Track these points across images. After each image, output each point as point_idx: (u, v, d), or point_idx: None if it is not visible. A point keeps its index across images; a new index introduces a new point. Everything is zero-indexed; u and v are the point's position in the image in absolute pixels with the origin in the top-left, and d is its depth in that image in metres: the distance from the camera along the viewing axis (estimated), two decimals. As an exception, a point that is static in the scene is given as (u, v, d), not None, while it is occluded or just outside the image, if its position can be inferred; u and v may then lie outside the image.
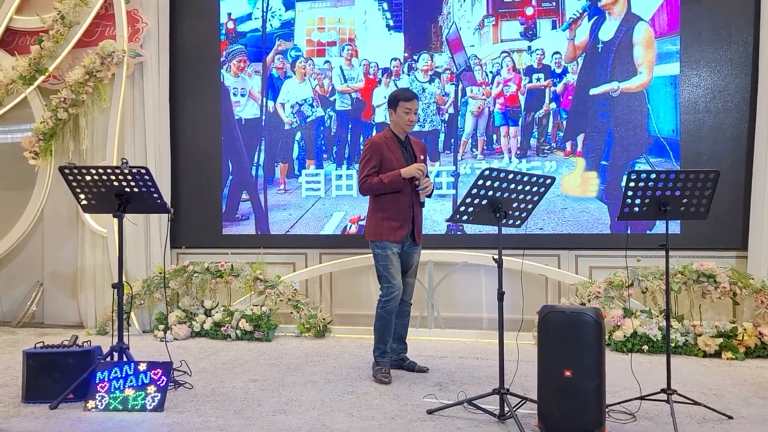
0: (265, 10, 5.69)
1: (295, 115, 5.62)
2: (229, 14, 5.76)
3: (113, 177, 3.37)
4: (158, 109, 5.59)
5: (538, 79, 5.15)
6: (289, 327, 5.31)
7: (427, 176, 3.80)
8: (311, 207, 5.55)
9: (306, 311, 5.22)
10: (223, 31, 5.77)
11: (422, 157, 3.93)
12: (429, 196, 3.90)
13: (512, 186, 3.02)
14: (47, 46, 5.47)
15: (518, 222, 3.19)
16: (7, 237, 5.82)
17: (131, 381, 3.30)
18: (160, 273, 5.39)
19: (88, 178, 3.38)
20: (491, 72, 5.23)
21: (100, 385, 3.28)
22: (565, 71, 5.10)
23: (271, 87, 5.70)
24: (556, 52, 5.11)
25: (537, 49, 5.14)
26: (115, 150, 5.49)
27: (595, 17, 5.05)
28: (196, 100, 5.79)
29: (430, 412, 3.14)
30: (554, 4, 5.12)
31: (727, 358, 4.25)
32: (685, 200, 3.01)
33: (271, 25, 5.69)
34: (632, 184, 3.00)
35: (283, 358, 4.44)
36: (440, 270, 5.19)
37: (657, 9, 4.92)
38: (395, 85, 5.39)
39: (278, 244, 5.61)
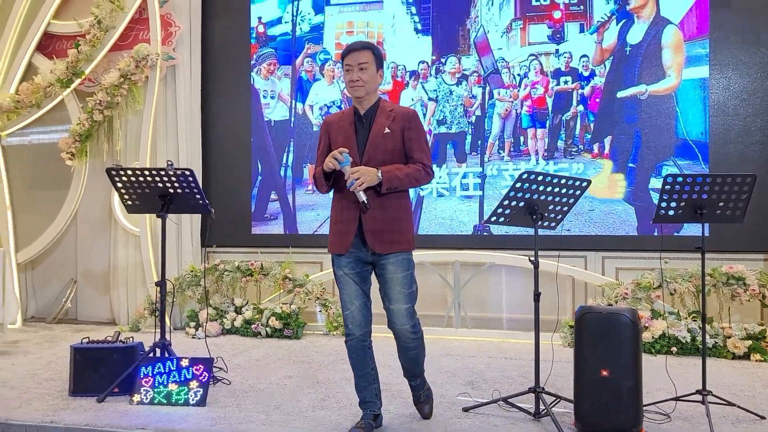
0: (294, 14, 5.79)
1: (324, 117, 5.71)
2: (260, 18, 5.86)
3: (158, 178, 3.48)
4: (190, 111, 5.71)
5: (566, 82, 5.19)
6: (316, 325, 5.40)
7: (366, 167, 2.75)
8: (339, 207, 5.63)
9: (334, 310, 5.30)
10: (254, 35, 5.87)
11: (387, 131, 2.82)
12: (380, 190, 2.76)
13: (549, 189, 3.08)
14: (84, 50, 5.60)
15: (553, 224, 3.25)
16: (44, 235, 5.97)
17: (174, 376, 3.40)
18: (192, 271, 5.50)
19: (133, 179, 3.49)
20: (519, 75, 5.28)
21: (144, 380, 3.39)
22: (592, 74, 5.14)
23: (300, 89, 5.79)
24: (584, 56, 5.15)
25: (564, 53, 5.19)
26: (148, 151, 5.62)
27: (623, 20, 5.08)
28: (227, 102, 5.90)
29: (465, 409, 3.21)
30: (582, 7, 5.16)
31: (756, 360, 4.28)
32: (721, 203, 3.05)
33: (300, 29, 5.78)
34: (668, 187, 3.05)
35: (314, 356, 4.53)
36: (467, 270, 5.26)
37: (686, 12, 4.95)
38: (423, 87, 5.46)
39: (306, 243, 5.70)
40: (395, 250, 2.81)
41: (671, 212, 3.12)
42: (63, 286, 6.05)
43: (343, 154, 2.73)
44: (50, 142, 5.98)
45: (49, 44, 5.97)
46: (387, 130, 2.81)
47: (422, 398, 3.10)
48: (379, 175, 2.73)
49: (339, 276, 2.88)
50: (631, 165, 5.05)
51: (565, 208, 3.21)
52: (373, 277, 2.94)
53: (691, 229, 4.82)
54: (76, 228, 6.04)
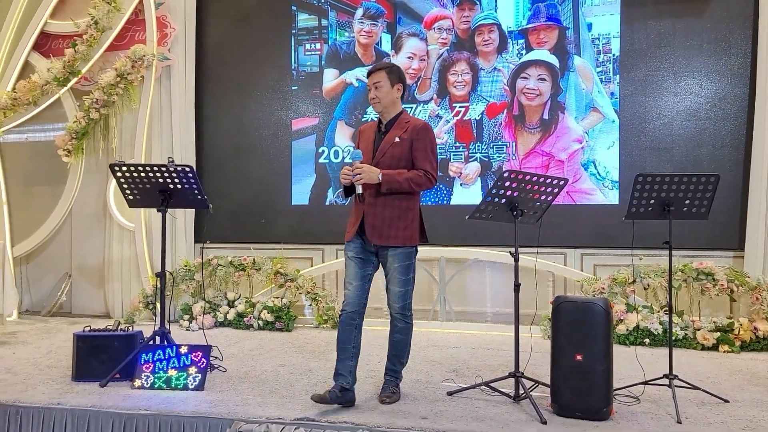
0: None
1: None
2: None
3: (158, 174, 3.65)
4: (184, 110, 5.87)
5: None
6: (307, 318, 5.58)
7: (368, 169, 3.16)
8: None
9: (324, 303, 5.49)
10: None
11: (398, 140, 3.23)
12: (379, 190, 3.18)
13: (529, 186, 3.29)
14: (81, 49, 5.75)
15: (533, 220, 3.46)
16: (40, 230, 6.10)
17: (174, 362, 3.57)
18: (186, 266, 5.66)
19: (135, 174, 3.66)
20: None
21: (145, 365, 3.56)
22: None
23: (292, 90, 5.98)
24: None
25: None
26: (143, 148, 5.78)
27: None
28: (220, 102, 6.07)
29: (450, 393, 3.42)
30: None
31: (724, 351, 4.53)
32: (687, 201, 3.29)
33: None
34: (639, 186, 3.28)
35: (305, 346, 4.71)
36: (452, 266, 5.47)
37: (661, 21, 5.20)
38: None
39: (297, 240, 5.87)
40: (391, 243, 3.22)
41: (642, 209, 3.35)
42: (58, 280, 6.17)
43: (356, 150, 3.27)
44: (47, 140, 6.12)
45: (46, 43, 6.11)
46: (397, 139, 3.25)
47: (390, 391, 3.29)
48: (379, 176, 3.15)
49: (346, 258, 3.31)
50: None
51: (545, 205, 3.43)
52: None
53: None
54: (71, 223, 6.18)
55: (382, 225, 3.20)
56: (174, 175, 3.63)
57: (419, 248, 3.38)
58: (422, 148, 3.24)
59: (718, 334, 4.59)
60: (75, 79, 5.90)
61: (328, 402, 3.06)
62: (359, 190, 3.19)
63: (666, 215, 3.32)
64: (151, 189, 3.72)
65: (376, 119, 3.41)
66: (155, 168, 3.64)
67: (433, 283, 5.54)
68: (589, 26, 5.34)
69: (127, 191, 3.76)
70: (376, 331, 4.33)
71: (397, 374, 3.39)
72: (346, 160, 5.63)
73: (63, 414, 3.15)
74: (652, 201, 3.31)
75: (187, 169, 3.62)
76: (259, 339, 5.01)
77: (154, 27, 5.76)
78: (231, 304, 5.60)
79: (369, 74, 3.32)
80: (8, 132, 6.17)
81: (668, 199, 3.29)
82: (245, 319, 5.45)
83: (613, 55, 5.29)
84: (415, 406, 3.20)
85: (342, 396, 3.09)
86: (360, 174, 3.15)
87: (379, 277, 3.37)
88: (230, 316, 5.51)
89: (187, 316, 5.54)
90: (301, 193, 5.93)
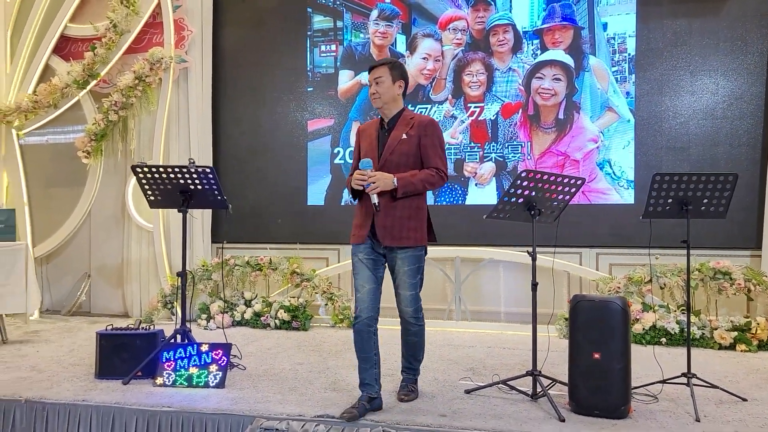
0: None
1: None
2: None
3: (179, 175, 3.71)
4: (201, 111, 5.94)
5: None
6: (322, 318, 5.63)
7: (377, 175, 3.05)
8: (345, 205, 5.88)
9: (340, 303, 5.53)
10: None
11: (405, 137, 3.14)
12: (395, 195, 3.07)
13: (546, 186, 3.31)
14: (100, 52, 5.85)
15: (550, 219, 3.48)
16: (59, 231, 6.21)
17: (195, 360, 3.63)
18: (203, 266, 5.73)
19: (156, 175, 3.72)
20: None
21: (167, 363, 3.61)
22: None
23: (308, 91, 6.03)
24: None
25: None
26: (161, 150, 5.86)
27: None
28: (237, 103, 6.13)
29: (467, 392, 3.44)
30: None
31: (741, 350, 4.52)
32: (705, 200, 3.29)
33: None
34: (656, 185, 3.28)
35: (322, 345, 4.76)
36: (467, 266, 5.49)
37: (677, 20, 5.20)
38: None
39: (312, 240, 5.92)
40: (403, 244, 3.13)
41: (659, 209, 3.36)
42: (77, 280, 6.27)
43: (365, 159, 3.11)
44: (66, 142, 6.22)
45: (66, 47, 6.22)
46: (404, 136, 3.13)
47: (409, 389, 3.30)
48: (395, 181, 3.05)
49: (355, 262, 3.18)
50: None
51: (562, 205, 3.44)
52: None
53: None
54: (90, 224, 6.27)
55: (393, 226, 3.11)
56: (195, 176, 3.69)
57: (431, 248, 3.34)
58: (432, 144, 3.16)
59: (736, 333, 4.57)
60: (94, 82, 6.01)
61: (359, 418, 2.98)
62: (375, 200, 3.04)
63: (683, 214, 3.33)
64: (172, 190, 3.78)
65: (378, 117, 3.30)
66: (176, 169, 3.70)
67: (447, 283, 5.57)
68: (605, 26, 5.34)
69: (149, 192, 3.82)
70: (390, 331, 4.36)
71: (415, 371, 3.40)
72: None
73: (88, 411, 3.21)
74: (669, 200, 3.32)
75: (208, 170, 3.67)
76: (276, 338, 5.07)
77: (172, 30, 5.84)
78: (248, 304, 5.66)
79: (371, 69, 3.21)
80: (29, 134, 6.29)
81: (686, 198, 3.29)
82: (262, 318, 5.50)
83: (629, 54, 5.28)
84: (433, 404, 3.23)
85: (371, 405, 3.07)
86: (375, 183, 3.03)
87: (387, 276, 3.31)
88: (247, 316, 5.57)
89: (204, 316, 5.61)
90: (316, 194, 5.98)
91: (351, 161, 5.79)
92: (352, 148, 5.85)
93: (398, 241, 3.11)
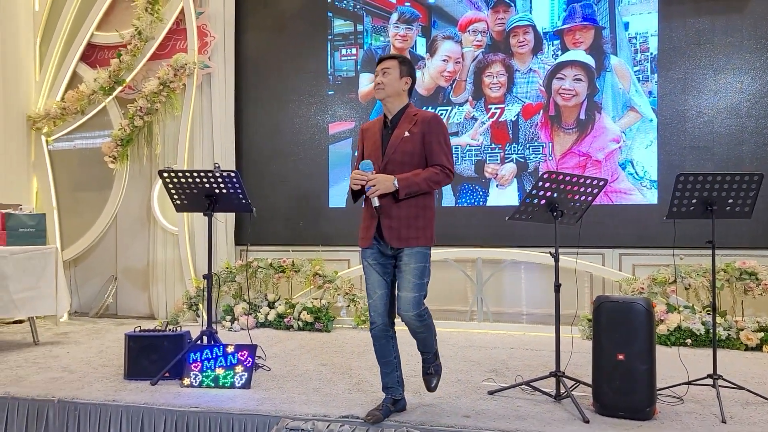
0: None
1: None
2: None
3: (205, 179, 3.78)
4: (224, 116, 6.03)
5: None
6: (345, 319, 5.68)
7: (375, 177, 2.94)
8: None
9: (362, 305, 5.57)
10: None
11: (407, 134, 3.01)
12: (398, 197, 2.96)
13: (568, 188, 3.31)
14: (125, 59, 5.97)
15: (573, 221, 3.48)
16: (87, 235, 6.34)
17: (221, 361, 3.69)
18: (227, 268, 5.81)
19: (183, 180, 3.79)
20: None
21: (193, 365, 3.68)
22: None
23: (329, 95, 6.08)
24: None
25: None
26: (186, 154, 5.96)
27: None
28: (259, 107, 6.21)
29: (491, 393, 3.45)
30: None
31: (768, 352, 4.47)
32: (730, 201, 3.27)
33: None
34: (680, 185, 3.26)
35: (345, 347, 4.80)
36: (488, 267, 5.50)
37: (700, 19, 5.15)
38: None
39: (334, 242, 5.97)
40: (410, 244, 2.98)
41: (683, 209, 3.34)
42: (104, 282, 6.39)
43: (365, 161, 3.01)
44: (93, 147, 6.36)
45: (92, 54, 6.36)
46: (407, 134, 3.00)
47: (431, 370, 3.21)
48: (395, 183, 2.92)
49: (365, 267, 3.11)
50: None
51: (584, 206, 3.44)
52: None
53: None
54: (116, 227, 6.40)
55: (400, 226, 2.97)
56: (220, 180, 3.75)
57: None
58: (436, 141, 3.00)
59: (762, 334, 4.52)
60: (120, 88, 6.13)
61: (383, 420, 2.99)
62: (376, 202, 2.93)
63: (708, 214, 3.30)
64: (198, 194, 3.85)
65: (381, 116, 3.17)
66: (202, 174, 3.77)
67: (469, 284, 5.58)
68: (626, 25, 5.31)
69: (175, 196, 3.90)
70: (406, 332, 4.38)
71: (433, 354, 3.22)
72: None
73: (118, 410, 3.29)
74: (694, 200, 3.30)
75: (233, 174, 3.74)
76: (299, 339, 5.12)
77: (195, 36, 5.93)
78: (271, 305, 5.73)
79: (380, 61, 3.08)
80: (58, 140, 6.44)
81: (711, 198, 3.27)
82: (285, 319, 5.56)
83: (651, 53, 5.25)
84: (456, 405, 3.25)
85: (395, 407, 3.09)
86: (374, 186, 2.91)
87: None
88: (270, 317, 5.64)
89: (229, 317, 5.69)
90: (338, 196, 6.03)
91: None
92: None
93: (405, 242, 2.98)
